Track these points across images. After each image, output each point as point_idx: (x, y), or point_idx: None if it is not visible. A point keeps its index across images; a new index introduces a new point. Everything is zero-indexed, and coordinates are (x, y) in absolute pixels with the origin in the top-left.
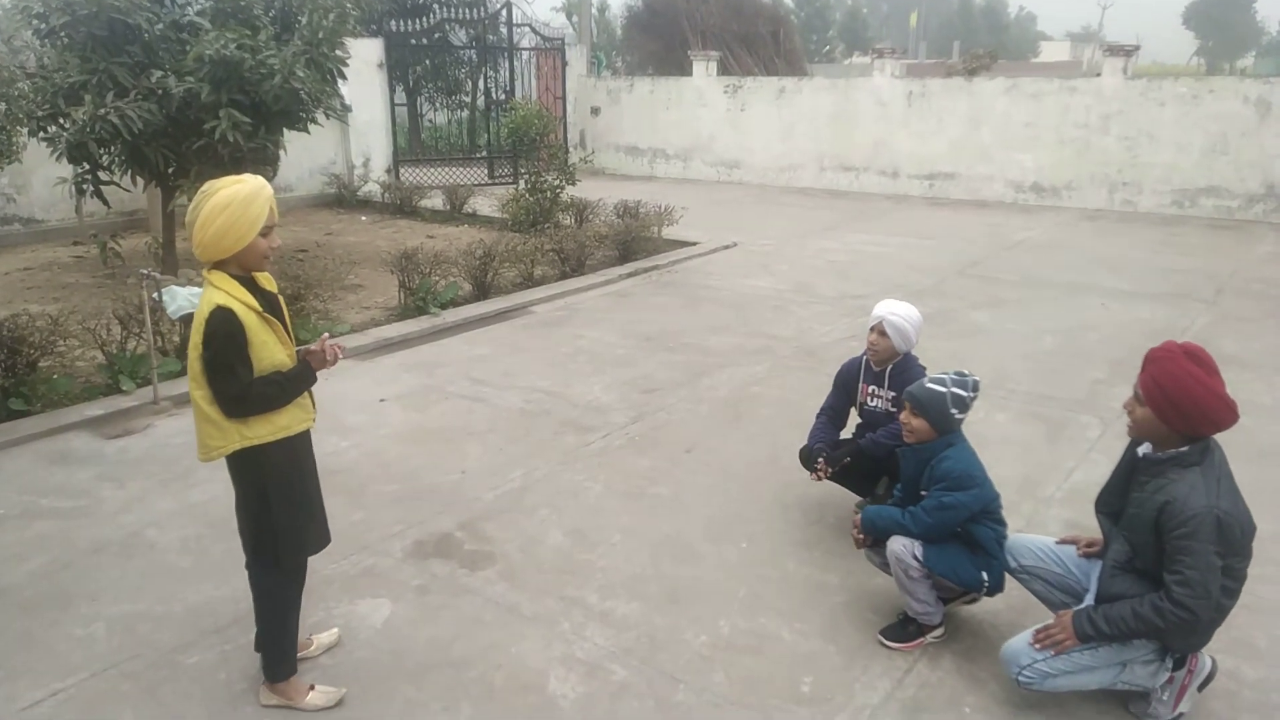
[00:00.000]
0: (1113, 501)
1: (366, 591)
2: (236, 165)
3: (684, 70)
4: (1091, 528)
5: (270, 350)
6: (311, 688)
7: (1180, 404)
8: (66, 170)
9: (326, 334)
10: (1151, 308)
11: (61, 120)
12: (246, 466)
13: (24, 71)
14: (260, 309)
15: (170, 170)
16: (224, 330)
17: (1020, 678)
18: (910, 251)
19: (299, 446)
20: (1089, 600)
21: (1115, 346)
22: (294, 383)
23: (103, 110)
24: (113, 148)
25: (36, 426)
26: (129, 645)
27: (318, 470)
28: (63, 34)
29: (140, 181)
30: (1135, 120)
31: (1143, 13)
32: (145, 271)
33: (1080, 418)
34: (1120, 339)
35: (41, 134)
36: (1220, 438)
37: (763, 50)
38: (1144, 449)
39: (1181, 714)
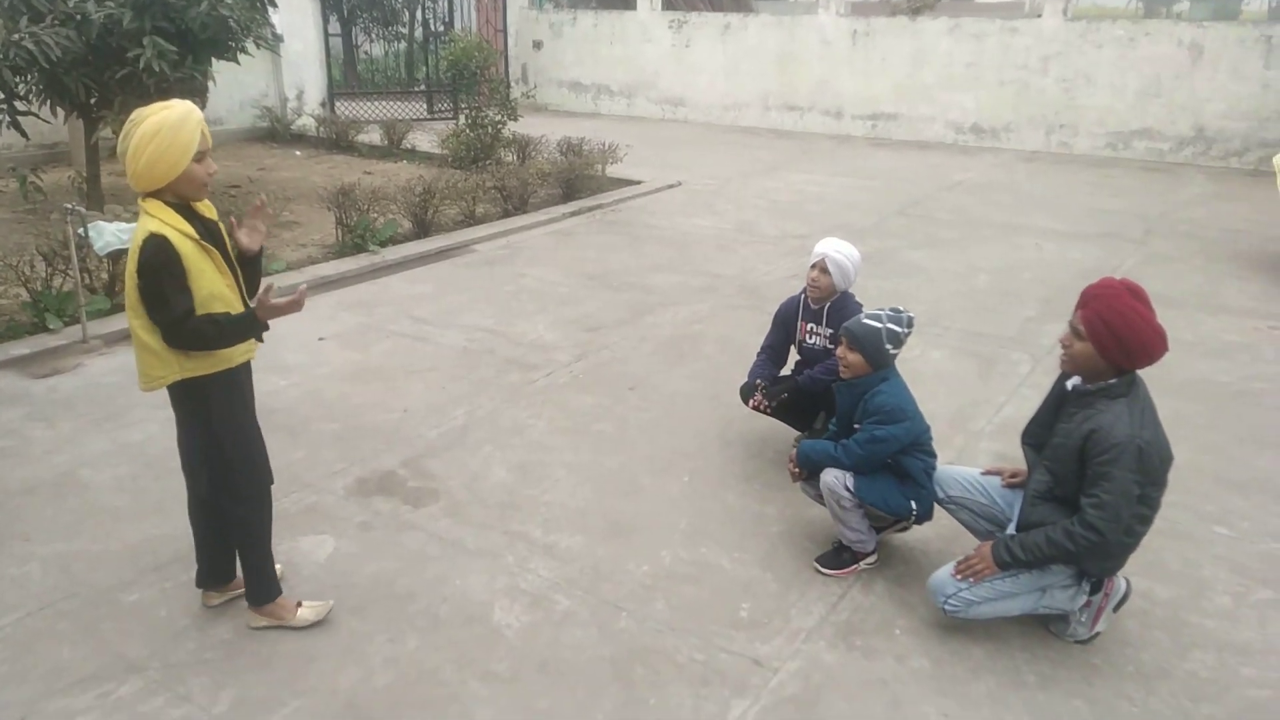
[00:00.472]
0: (1039, 434)
1: (309, 529)
2: (163, 96)
3: (628, 4)
4: (1018, 459)
5: (208, 279)
6: (299, 604)
7: (1124, 339)
8: None
9: (304, 285)
10: (1083, 248)
11: None
12: (189, 397)
13: None
14: (198, 236)
15: (92, 101)
16: (158, 259)
17: (946, 606)
18: (852, 192)
19: (241, 377)
20: (1011, 529)
21: (1047, 286)
22: (236, 328)
23: (16, 36)
24: (29, 76)
25: None
26: (65, 584)
27: (260, 409)
28: None
29: (60, 113)
30: (1073, 62)
31: None
32: (70, 206)
33: (1011, 354)
34: (1052, 279)
35: None
36: (1143, 372)
37: None
38: (1073, 382)
39: (1099, 633)
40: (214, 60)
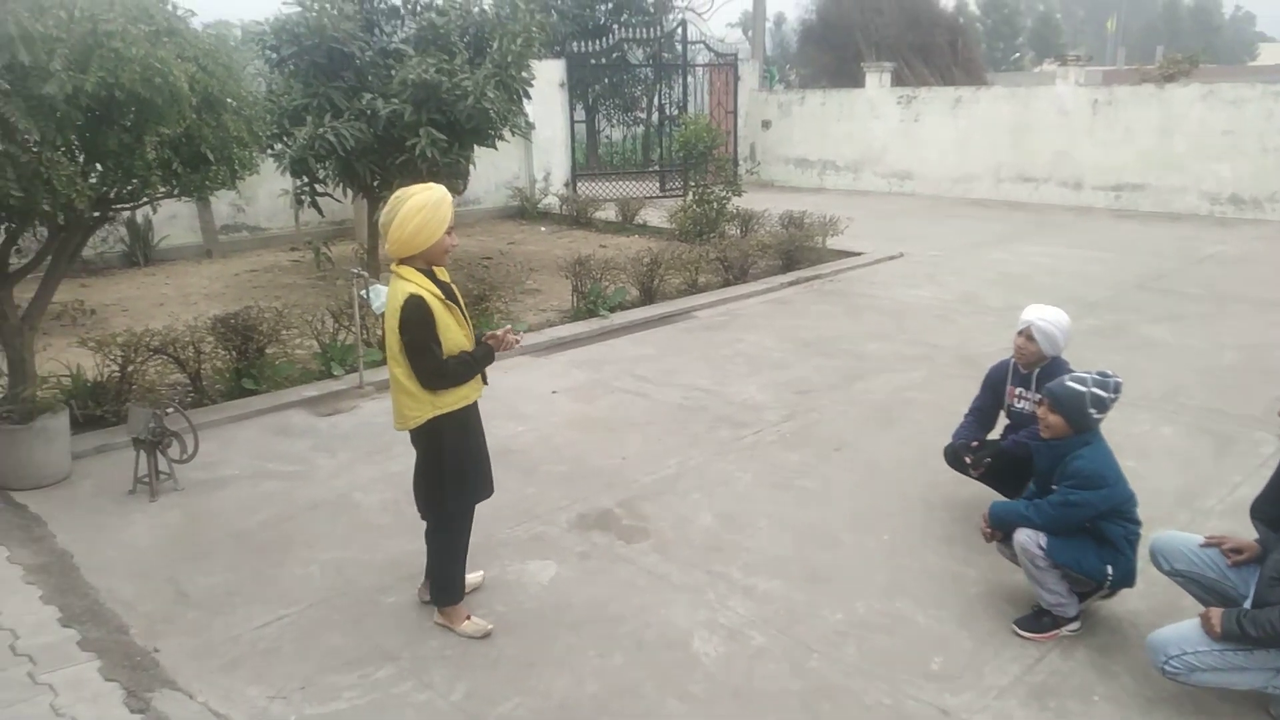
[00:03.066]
0: (1269, 510)
1: (535, 554)
2: (433, 179)
3: (857, 83)
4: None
5: (453, 332)
6: (468, 617)
7: None
8: (288, 184)
9: (509, 325)
10: None
11: (286, 139)
12: (430, 434)
13: (258, 96)
14: (442, 296)
15: (375, 183)
16: (418, 316)
17: (1166, 667)
18: (1089, 264)
19: (470, 416)
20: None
21: None
22: (480, 361)
23: (321, 130)
24: (328, 163)
25: (263, 404)
26: (338, 584)
27: (495, 447)
28: (290, 62)
29: (349, 193)
30: None
31: None
32: (356, 271)
33: (1254, 434)
34: None
35: (270, 151)
36: None
37: (940, 60)
38: None
39: None
40: (475, 146)
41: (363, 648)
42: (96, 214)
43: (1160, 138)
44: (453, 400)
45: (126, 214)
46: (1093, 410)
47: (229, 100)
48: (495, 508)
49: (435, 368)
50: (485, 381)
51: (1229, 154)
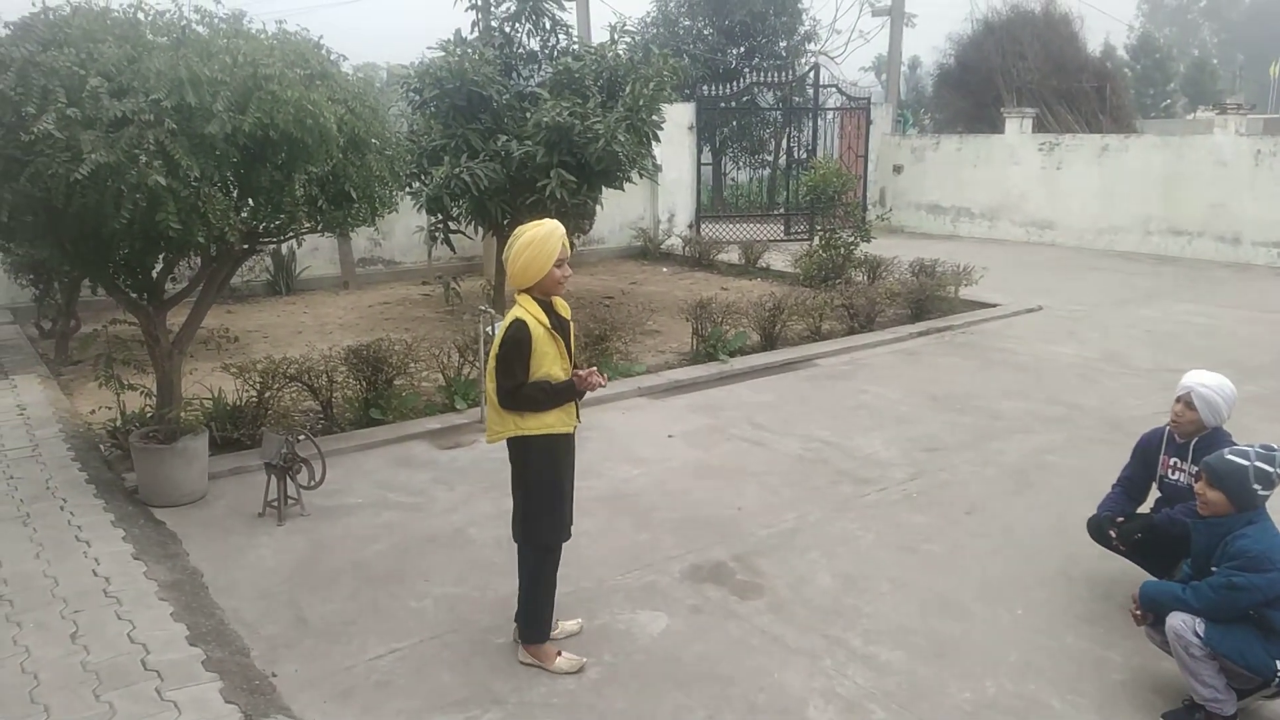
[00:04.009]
0: None
1: (646, 604)
2: (561, 219)
3: (995, 128)
4: None
5: (548, 361)
6: (559, 653)
7: None
8: (423, 220)
9: (594, 368)
10: None
11: (423, 178)
12: (517, 453)
13: (400, 136)
14: (549, 325)
15: (505, 222)
16: (517, 336)
17: None
18: (1247, 325)
19: (560, 446)
20: None
21: None
22: (558, 393)
23: (458, 170)
24: (462, 202)
25: (388, 434)
26: (450, 621)
27: (609, 491)
28: (431, 104)
29: (479, 231)
30: None
31: None
32: (482, 308)
33: None
34: None
35: (408, 190)
36: None
37: (1085, 107)
38: None
39: None
40: (603, 188)
41: (470, 688)
42: (246, 246)
43: None
44: (535, 425)
45: (273, 246)
46: (1257, 486)
47: (373, 140)
48: (607, 552)
49: (511, 387)
50: (578, 417)
51: None
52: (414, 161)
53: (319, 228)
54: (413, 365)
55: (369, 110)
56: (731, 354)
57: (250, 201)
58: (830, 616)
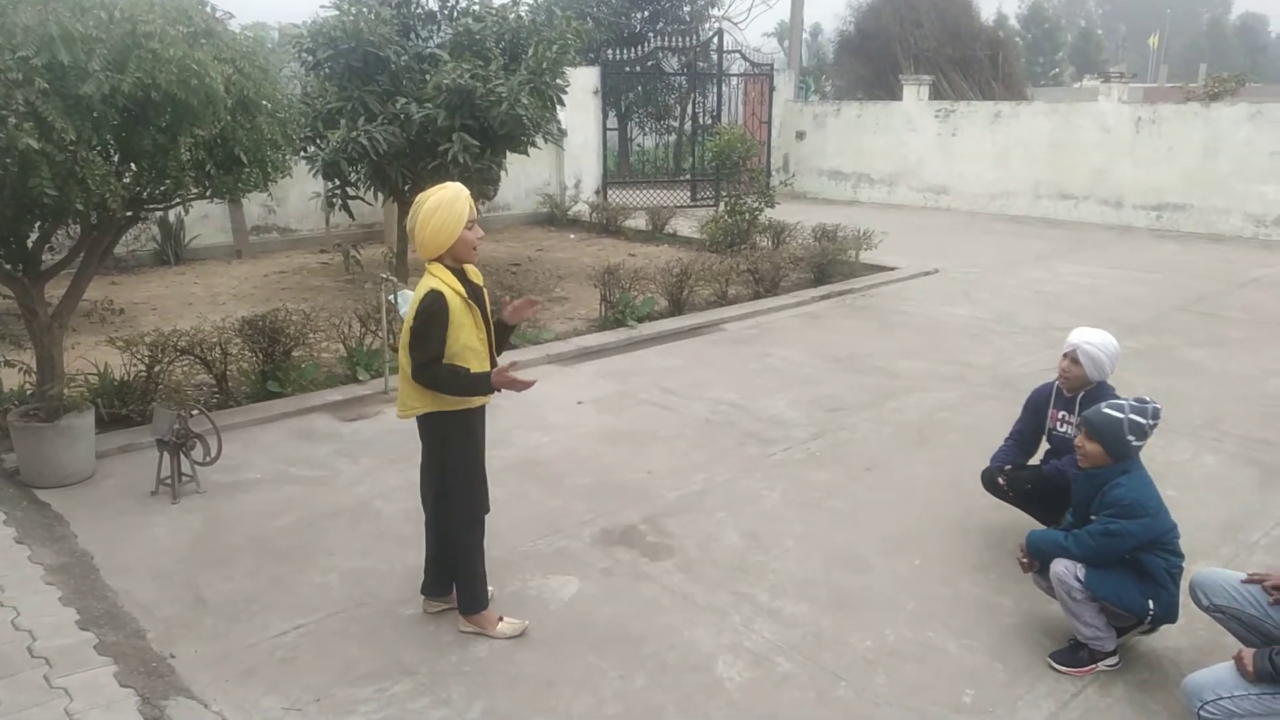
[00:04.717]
0: None
1: (558, 569)
2: (465, 184)
3: (894, 95)
4: None
5: (466, 332)
6: (500, 619)
7: None
8: (319, 186)
9: (516, 362)
10: None
11: (319, 141)
12: (433, 430)
13: (293, 98)
14: (465, 295)
15: (407, 188)
16: (432, 308)
17: (1202, 713)
18: (1129, 285)
19: (476, 419)
20: None
21: None
22: (471, 382)
23: (355, 133)
24: (360, 166)
25: (288, 406)
26: (357, 594)
27: (519, 458)
28: (325, 65)
29: (380, 197)
30: None
31: None
32: (384, 276)
33: None
34: None
35: (303, 153)
36: None
37: (979, 74)
38: None
39: None
40: (507, 152)
41: (380, 660)
42: (129, 213)
43: (1204, 157)
44: (450, 403)
45: (159, 213)
46: (1131, 437)
47: (264, 102)
48: (518, 520)
49: (425, 362)
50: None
51: (1276, 175)
52: (308, 124)
53: (207, 193)
54: (312, 336)
55: (259, 70)
56: (640, 320)
57: (133, 166)
58: (738, 573)
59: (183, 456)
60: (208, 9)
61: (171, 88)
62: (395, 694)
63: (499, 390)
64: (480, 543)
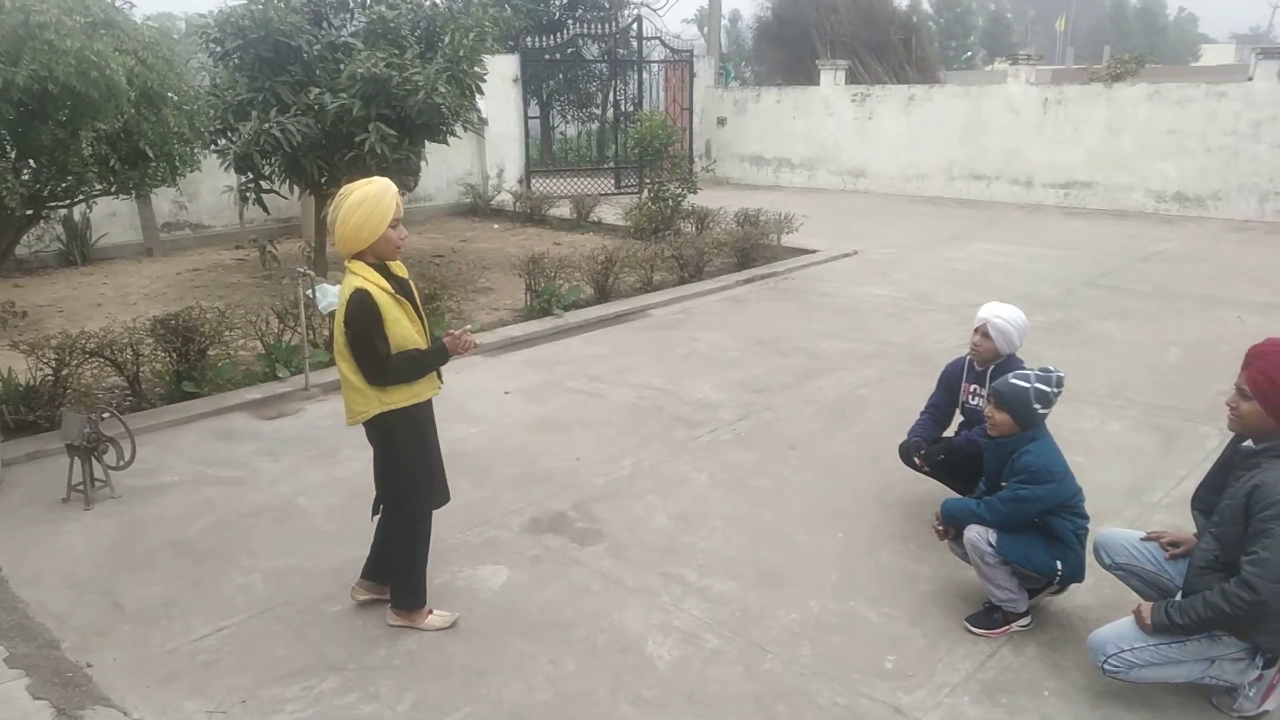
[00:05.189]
0: (1208, 498)
1: (487, 559)
2: (383, 175)
3: (812, 80)
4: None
5: (402, 326)
6: (430, 611)
7: None
8: (232, 180)
9: (468, 326)
10: None
11: (230, 134)
12: (381, 429)
13: (202, 90)
14: (392, 291)
15: (323, 180)
16: (363, 310)
17: (1106, 666)
18: (1039, 262)
19: (424, 413)
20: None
21: None
22: (429, 359)
23: (267, 125)
24: (274, 159)
25: (205, 407)
26: (281, 593)
27: (446, 451)
28: (234, 56)
29: (296, 190)
30: None
31: None
32: (301, 270)
33: (1199, 428)
34: None
35: (213, 147)
36: None
37: (894, 58)
38: (1246, 443)
39: (1267, 711)
40: (426, 142)
41: (306, 658)
42: (29, 212)
43: (1108, 136)
44: (401, 397)
45: (62, 212)
46: (1037, 406)
47: (170, 95)
48: (446, 512)
49: (377, 363)
50: (441, 380)
51: (1174, 153)
52: (218, 117)
53: (113, 189)
54: (228, 334)
55: (163, 61)
56: (566, 308)
57: (31, 162)
58: (667, 555)
59: (95, 461)
60: None
61: (70, 80)
62: (323, 691)
63: (456, 354)
64: (426, 539)
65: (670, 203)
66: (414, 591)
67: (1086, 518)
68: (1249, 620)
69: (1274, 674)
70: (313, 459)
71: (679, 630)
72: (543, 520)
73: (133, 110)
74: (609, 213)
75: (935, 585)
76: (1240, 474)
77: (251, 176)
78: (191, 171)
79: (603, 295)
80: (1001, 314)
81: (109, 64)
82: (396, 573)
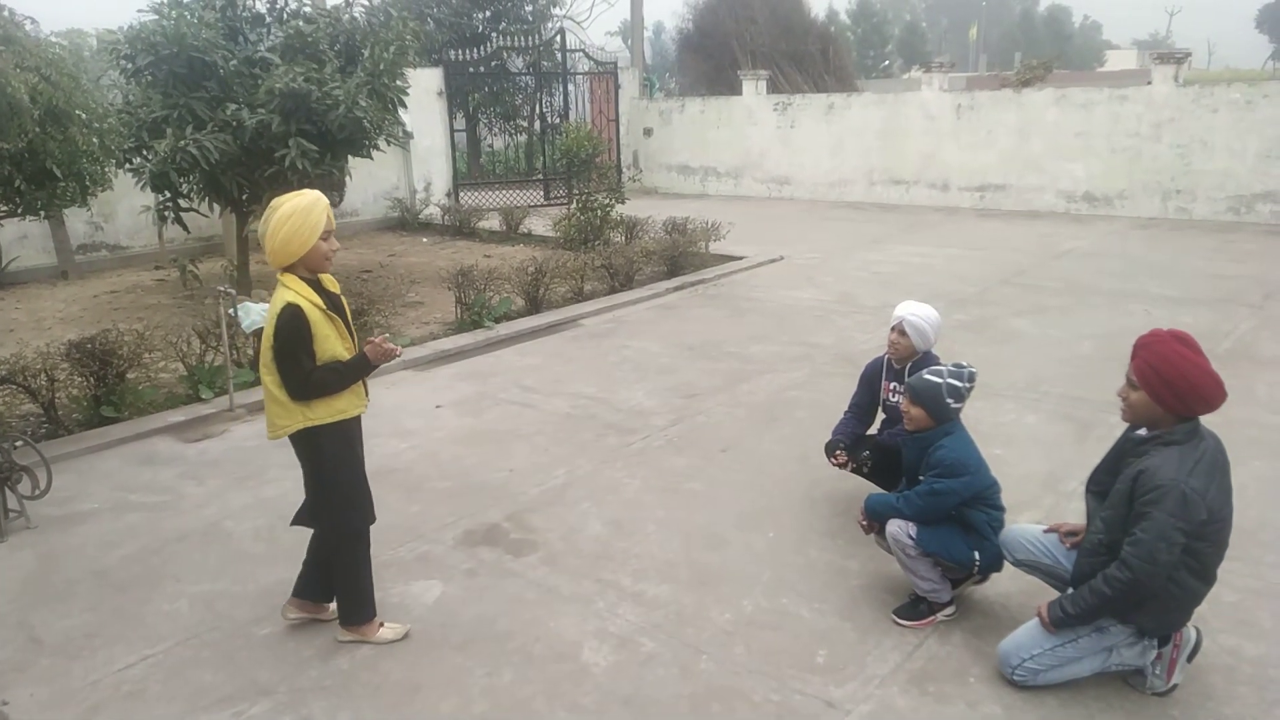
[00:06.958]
0: (1102, 480)
1: (420, 574)
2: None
3: (735, 90)
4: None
5: (331, 343)
6: (381, 624)
7: (1173, 383)
8: (149, 199)
9: (386, 335)
10: (1195, 313)
11: (145, 152)
12: (308, 445)
13: (113, 108)
14: (324, 307)
15: (244, 197)
16: (293, 324)
17: (1014, 677)
18: (957, 262)
19: (352, 429)
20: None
21: None
22: (351, 370)
23: (183, 142)
24: (192, 177)
25: (125, 431)
26: (209, 619)
27: (377, 467)
28: (147, 72)
29: (216, 208)
30: (1188, 128)
31: (1215, 18)
32: (223, 289)
33: (1110, 418)
34: None
35: (128, 165)
36: (1254, 433)
37: (813, 68)
38: (1140, 432)
39: (1176, 685)
40: (350, 157)
41: (236, 683)
42: None
43: (1019, 140)
44: (326, 413)
45: None
46: (950, 400)
47: (77, 112)
48: (378, 529)
49: (301, 377)
50: (367, 395)
51: (1082, 154)
52: (131, 135)
53: (19, 211)
54: (148, 356)
55: (69, 79)
56: (497, 320)
57: None
58: (601, 561)
59: (8, 491)
60: (4, 14)
61: None
62: (253, 716)
63: (377, 364)
64: (366, 555)
65: (599, 213)
66: (362, 606)
67: (1002, 509)
68: (1129, 601)
69: (1171, 649)
70: (239, 480)
71: (614, 635)
72: (476, 533)
73: (37, 129)
74: (538, 224)
75: (864, 580)
76: (1130, 460)
77: (169, 195)
78: (103, 191)
79: (534, 306)
80: (917, 312)
81: (9, 81)
82: (342, 590)
